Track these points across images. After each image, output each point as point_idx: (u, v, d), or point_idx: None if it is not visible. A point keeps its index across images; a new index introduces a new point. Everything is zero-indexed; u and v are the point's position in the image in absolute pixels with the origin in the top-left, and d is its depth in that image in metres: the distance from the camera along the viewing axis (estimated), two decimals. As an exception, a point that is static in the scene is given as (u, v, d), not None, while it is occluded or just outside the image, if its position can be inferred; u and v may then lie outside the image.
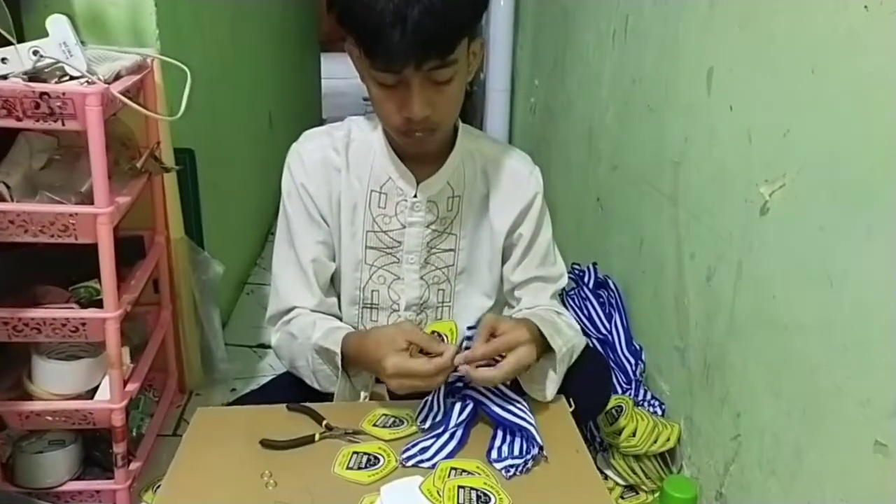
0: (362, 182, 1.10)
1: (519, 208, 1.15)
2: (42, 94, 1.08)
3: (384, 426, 1.06)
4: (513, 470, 0.97)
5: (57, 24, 1.13)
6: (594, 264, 1.94)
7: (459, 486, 0.94)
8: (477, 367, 0.99)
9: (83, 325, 1.23)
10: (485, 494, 0.94)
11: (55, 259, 1.29)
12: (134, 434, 1.48)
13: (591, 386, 1.16)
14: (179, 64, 1.29)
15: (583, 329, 1.77)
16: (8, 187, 1.18)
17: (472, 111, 3.30)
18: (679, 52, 1.50)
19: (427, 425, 1.05)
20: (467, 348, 1.01)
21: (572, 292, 1.88)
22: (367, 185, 1.10)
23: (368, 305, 1.17)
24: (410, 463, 0.98)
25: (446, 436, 1.03)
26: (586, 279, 1.89)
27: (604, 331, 1.76)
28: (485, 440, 1.03)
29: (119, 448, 1.32)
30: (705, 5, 1.37)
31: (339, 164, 1.10)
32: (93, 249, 1.19)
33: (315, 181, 1.09)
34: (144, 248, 1.53)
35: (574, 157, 2.26)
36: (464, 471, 0.98)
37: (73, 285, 1.33)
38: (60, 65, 1.14)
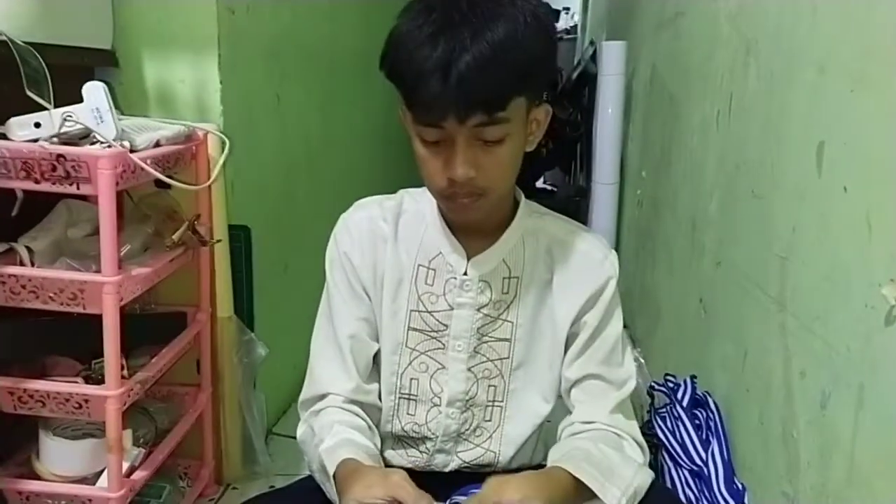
0: (410, 255, 0.99)
1: (588, 294, 0.98)
2: (59, 156, 1.05)
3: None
4: None
5: (92, 90, 1.12)
6: (692, 377, 1.64)
7: None
8: None
9: (86, 401, 1.14)
10: None
11: (79, 331, 1.24)
12: (149, 527, 1.36)
13: None
14: (220, 134, 1.24)
15: (675, 457, 1.49)
16: (31, 251, 1.14)
17: (584, 209, 3.14)
18: (785, 127, 1.26)
19: None
20: None
21: (663, 410, 1.59)
22: (416, 259, 0.99)
23: (406, 396, 1.02)
24: None
25: None
26: (681, 395, 1.59)
27: (699, 462, 1.45)
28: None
29: (115, 544, 1.20)
30: (813, 70, 1.14)
31: (388, 235, 1.00)
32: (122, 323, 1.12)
33: (359, 251, 0.99)
34: (186, 325, 1.46)
35: (677, 252, 2.00)
36: None
37: (96, 360, 1.26)
38: (91, 131, 1.11)
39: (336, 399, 0.99)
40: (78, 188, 1.07)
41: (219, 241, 1.41)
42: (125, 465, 1.22)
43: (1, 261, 1.14)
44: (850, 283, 0.99)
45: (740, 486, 1.37)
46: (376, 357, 1.03)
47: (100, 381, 1.17)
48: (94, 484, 1.22)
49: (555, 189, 4.76)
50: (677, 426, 1.53)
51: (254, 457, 1.66)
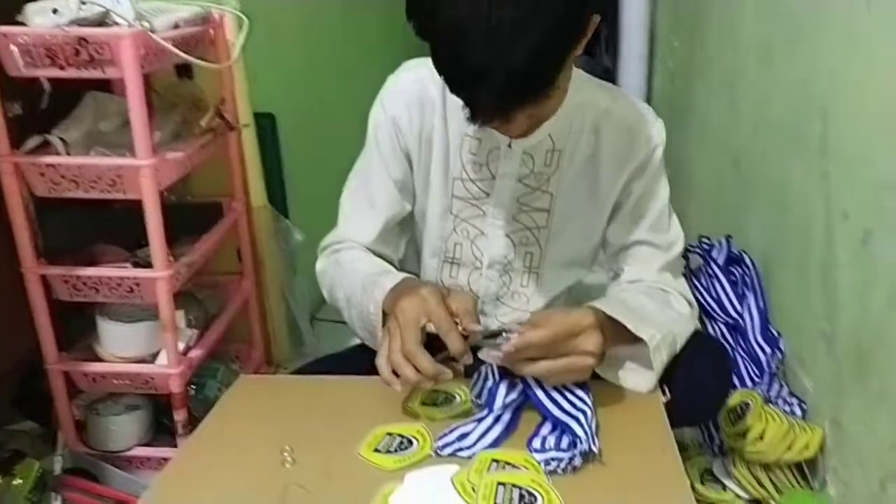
0: (456, 124, 0.98)
1: (636, 163, 0.97)
2: (81, 39, 1.04)
3: (434, 404, 0.91)
4: (554, 464, 0.78)
5: (106, -28, 1.09)
6: (728, 237, 1.63)
7: (499, 483, 0.77)
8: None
9: (137, 285, 1.19)
10: (530, 494, 0.75)
11: (124, 220, 1.27)
12: (208, 404, 1.44)
13: (704, 380, 0.95)
14: (239, 14, 1.21)
15: (710, 312, 1.51)
16: (65, 143, 1.15)
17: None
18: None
19: (483, 400, 0.89)
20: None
21: (698, 270, 1.60)
22: (461, 128, 0.97)
23: (450, 260, 1.05)
24: (447, 451, 0.83)
25: (490, 419, 0.86)
26: (716, 254, 1.59)
27: (734, 314, 1.47)
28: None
29: (179, 415, 1.28)
30: None
31: (437, 101, 0.98)
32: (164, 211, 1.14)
33: (407, 115, 0.98)
34: (223, 215, 1.48)
35: (713, 119, 1.95)
36: (507, 464, 0.80)
37: (142, 248, 1.30)
38: (109, 13, 1.09)
39: (355, 245, 1.03)
40: (103, 72, 1.07)
41: (246, 125, 1.41)
42: (181, 345, 1.28)
43: (37, 153, 1.15)
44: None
45: (776, 334, 1.40)
46: (405, 221, 1.05)
47: (147, 266, 1.21)
48: (153, 363, 1.28)
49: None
50: (712, 283, 1.54)
51: (300, 338, 1.72)
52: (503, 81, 0.72)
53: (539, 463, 0.79)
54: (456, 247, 1.04)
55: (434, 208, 1.02)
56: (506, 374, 0.89)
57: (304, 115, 1.85)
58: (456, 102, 0.96)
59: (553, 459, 0.78)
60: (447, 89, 0.95)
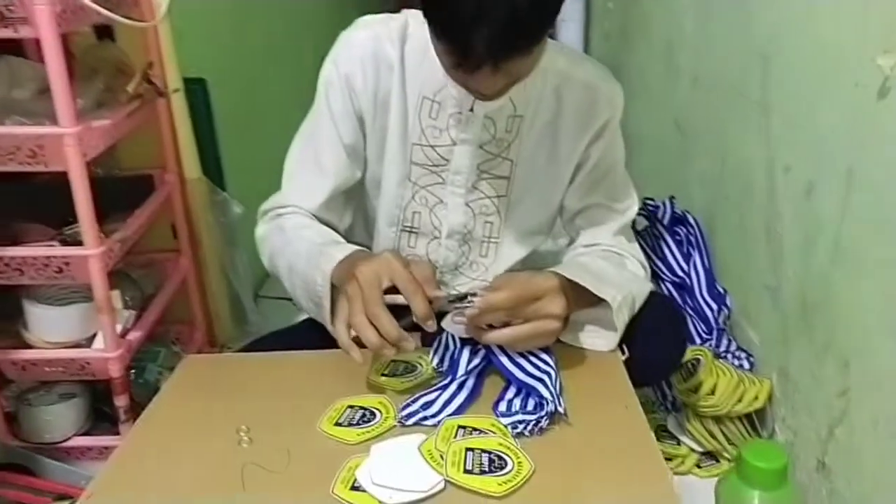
0: (415, 87, 0.94)
1: (596, 126, 0.96)
2: (-12, -5, 0.94)
3: (394, 375, 0.89)
4: (521, 427, 0.77)
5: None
6: (671, 198, 1.65)
7: (468, 449, 0.75)
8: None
9: (66, 264, 1.10)
10: (500, 458, 0.74)
11: (47, 195, 1.17)
12: (150, 388, 1.37)
13: (660, 339, 0.95)
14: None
15: (657, 272, 1.53)
16: (-25, 112, 1.05)
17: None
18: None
19: (445, 368, 0.87)
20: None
21: (644, 232, 1.62)
22: (420, 91, 0.93)
23: (408, 229, 1.01)
24: (411, 421, 0.80)
25: (454, 386, 0.84)
26: (661, 215, 1.61)
27: (681, 273, 1.49)
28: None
29: (120, 401, 1.21)
30: None
31: (394, 60, 0.93)
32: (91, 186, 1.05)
33: (362, 75, 0.93)
34: (154, 189, 1.40)
35: (652, 80, 1.96)
36: (474, 429, 0.79)
37: (69, 226, 1.21)
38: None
39: (299, 210, 0.98)
40: (16, 31, 0.97)
41: (177, 90, 1.33)
42: (118, 327, 1.21)
43: (-56, 125, 1.05)
44: (840, 63, 0.97)
45: (721, 291, 1.43)
46: (352, 189, 1.01)
47: (77, 244, 1.13)
48: (88, 348, 1.20)
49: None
50: (658, 244, 1.56)
51: (244, 316, 1.66)
52: (504, 22, 0.69)
53: (506, 427, 0.78)
54: (414, 215, 1.00)
55: (391, 175, 0.98)
56: (467, 340, 0.88)
57: (238, 78, 1.76)
58: (415, 63, 0.93)
59: (520, 422, 0.78)
60: (404, 48, 0.93)
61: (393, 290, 0.79)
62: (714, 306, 1.40)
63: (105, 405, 1.30)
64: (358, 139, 0.97)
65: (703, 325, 1.39)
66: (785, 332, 1.16)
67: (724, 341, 1.33)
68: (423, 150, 0.96)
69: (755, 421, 1.21)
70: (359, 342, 0.80)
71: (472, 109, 0.91)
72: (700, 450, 1.23)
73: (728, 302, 1.40)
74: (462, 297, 0.82)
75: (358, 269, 0.79)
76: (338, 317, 0.82)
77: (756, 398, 1.18)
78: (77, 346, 1.21)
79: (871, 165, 0.91)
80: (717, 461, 1.23)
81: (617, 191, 1.02)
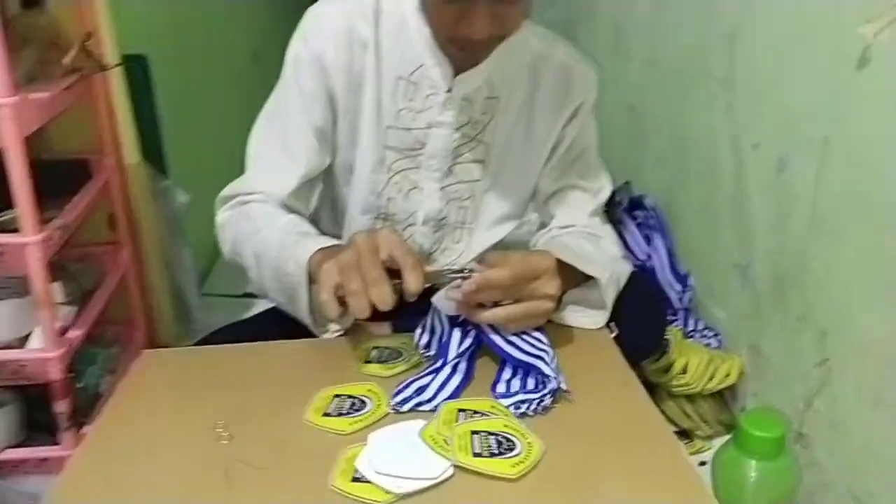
0: (390, 66, 0.89)
1: (571, 108, 0.95)
2: None
3: (379, 361, 0.84)
4: (524, 406, 0.74)
5: None
6: (626, 183, 1.66)
7: (473, 432, 0.70)
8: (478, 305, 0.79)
9: (0, 254, 0.99)
10: (507, 439, 0.70)
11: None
12: (89, 393, 1.25)
13: (644, 318, 0.95)
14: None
15: (619, 256, 1.53)
16: None
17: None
18: None
19: (433, 351, 0.83)
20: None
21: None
22: (396, 71, 0.89)
23: (383, 216, 0.97)
24: (406, 407, 0.75)
25: (448, 369, 0.80)
26: (618, 200, 1.62)
27: (641, 256, 1.50)
28: (494, 372, 0.80)
29: (61, 407, 1.09)
30: None
31: (368, 39, 0.88)
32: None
33: (335, 52, 0.87)
34: (90, 175, 1.28)
35: (599, 65, 1.97)
36: (475, 412, 0.74)
37: (1, 212, 1.09)
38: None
39: (267, 198, 0.91)
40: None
41: (119, 64, 1.22)
42: (57, 324, 1.09)
43: None
44: (817, 33, 0.98)
45: (684, 272, 1.44)
46: (319, 175, 0.95)
47: (11, 231, 1.01)
48: (21, 348, 1.08)
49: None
50: (617, 229, 1.56)
51: (188, 314, 1.55)
52: None
53: (508, 407, 0.74)
54: (389, 202, 0.96)
55: (365, 160, 0.93)
56: (456, 321, 0.83)
57: (181, 55, 1.64)
58: (390, 42, 0.88)
59: (523, 402, 0.74)
60: (378, 25, 0.88)
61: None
62: (678, 287, 1.41)
63: (40, 412, 1.17)
64: (328, 122, 0.91)
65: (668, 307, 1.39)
66: (756, 308, 1.17)
67: (692, 321, 1.34)
68: (398, 133, 0.92)
69: (727, 398, 1.22)
70: None
71: (449, 90, 0.88)
72: (675, 429, 1.23)
73: (690, 282, 1.41)
74: (459, 271, 0.78)
75: (353, 239, 0.74)
76: (323, 288, 0.76)
77: (728, 375, 1.19)
78: (8, 347, 1.08)
79: (850, 136, 0.92)
80: (692, 439, 1.23)
81: (590, 172, 1.01)
